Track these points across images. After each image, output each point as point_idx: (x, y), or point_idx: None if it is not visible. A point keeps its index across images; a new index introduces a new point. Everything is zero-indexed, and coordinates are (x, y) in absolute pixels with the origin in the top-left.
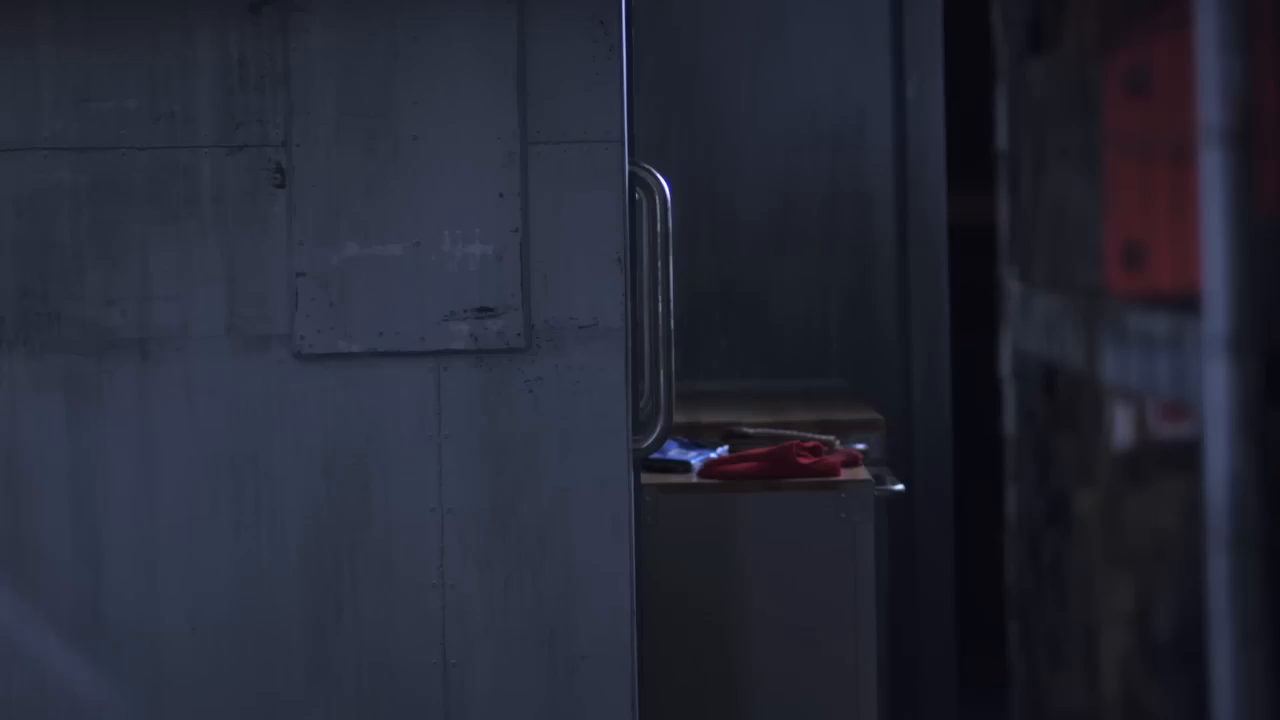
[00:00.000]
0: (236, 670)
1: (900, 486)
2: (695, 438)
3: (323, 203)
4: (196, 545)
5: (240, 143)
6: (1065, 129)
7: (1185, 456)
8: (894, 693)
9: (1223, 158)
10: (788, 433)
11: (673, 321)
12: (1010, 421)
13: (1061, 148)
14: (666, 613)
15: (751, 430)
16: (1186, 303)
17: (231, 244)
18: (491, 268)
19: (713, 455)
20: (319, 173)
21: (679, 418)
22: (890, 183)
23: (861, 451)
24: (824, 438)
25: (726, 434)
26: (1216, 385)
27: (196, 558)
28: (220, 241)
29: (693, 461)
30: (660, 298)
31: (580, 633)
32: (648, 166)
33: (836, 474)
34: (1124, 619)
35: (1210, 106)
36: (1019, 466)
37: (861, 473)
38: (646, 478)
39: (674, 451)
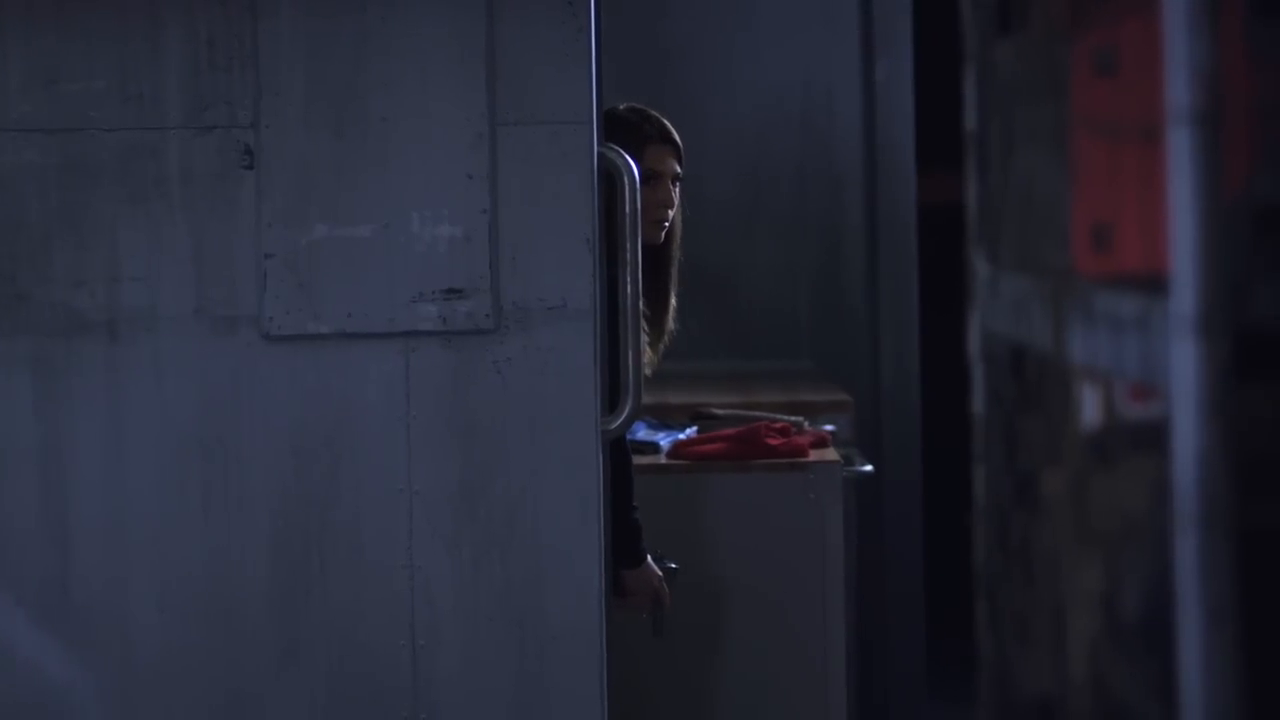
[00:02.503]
0: (205, 652)
1: (869, 468)
2: (664, 419)
3: (291, 184)
4: (165, 527)
5: (209, 124)
6: (1034, 110)
7: (1153, 437)
8: (863, 673)
9: (1191, 138)
10: (756, 414)
11: (642, 303)
12: (978, 402)
13: (1030, 129)
14: None
15: (720, 411)
16: (1154, 283)
17: (200, 225)
18: (460, 249)
19: (681, 436)
20: (287, 154)
21: (647, 399)
22: (859, 164)
23: (830, 433)
24: (793, 419)
25: (695, 415)
26: (1184, 366)
27: (165, 539)
28: (189, 223)
29: (661, 443)
30: (629, 279)
31: (549, 614)
32: (617, 148)
33: (805, 455)
34: (1092, 600)
35: (1178, 87)
36: (987, 447)
37: (830, 454)
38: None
39: (643, 433)
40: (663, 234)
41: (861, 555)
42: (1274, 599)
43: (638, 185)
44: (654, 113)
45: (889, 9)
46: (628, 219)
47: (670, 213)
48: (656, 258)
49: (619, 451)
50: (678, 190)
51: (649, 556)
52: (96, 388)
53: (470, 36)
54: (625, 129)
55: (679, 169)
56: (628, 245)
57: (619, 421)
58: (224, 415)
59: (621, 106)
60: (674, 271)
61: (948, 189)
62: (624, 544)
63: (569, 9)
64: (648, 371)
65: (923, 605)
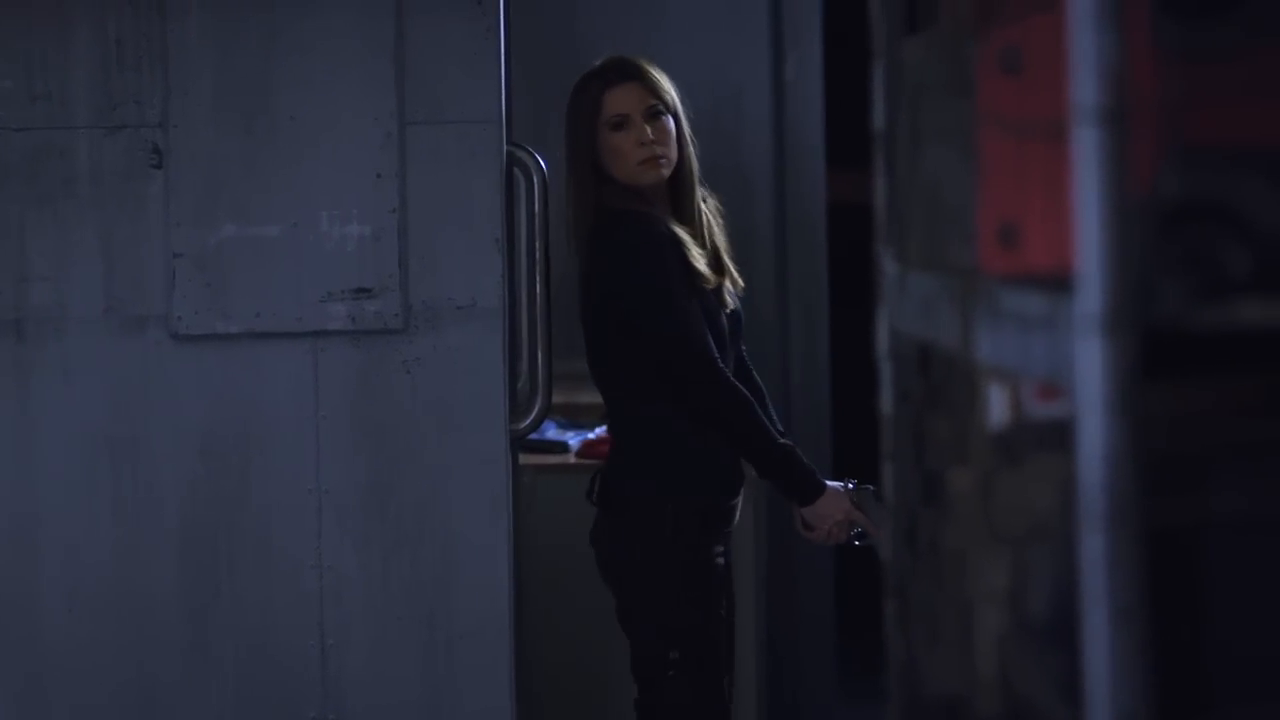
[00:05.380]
0: (114, 650)
1: None
2: (573, 418)
3: (200, 183)
4: (74, 526)
5: (117, 123)
6: (941, 108)
7: (1060, 436)
8: (772, 673)
9: (1096, 136)
10: None
11: (551, 302)
12: (886, 401)
13: (937, 127)
14: (544, 592)
15: None
16: (1061, 282)
17: (109, 225)
18: (369, 248)
19: (590, 436)
20: (196, 153)
21: (557, 399)
22: (769, 162)
23: None
24: None
25: (604, 415)
26: (1090, 364)
27: (74, 538)
28: (97, 222)
29: (570, 442)
30: (538, 278)
31: (459, 612)
32: (526, 147)
33: None
34: (999, 599)
35: (1084, 85)
36: (895, 446)
37: None
38: (525, 458)
39: (552, 432)
40: (663, 171)
41: (770, 553)
42: (1180, 597)
43: (547, 184)
44: (621, 56)
45: (798, 8)
46: (537, 217)
47: (660, 149)
48: (677, 198)
49: (725, 390)
50: (667, 121)
51: (826, 485)
52: (5, 387)
53: (379, 36)
54: (582, 88)
55: (656, 101)
56: (536, 245)
57: (528, 421)
58: (133, 415)
59: (598, 62)
60: (707, 212)
61: (857, 187)
62: (781, 483)
63: (478, 9)
64: (732, 303)
65: (832, 604)
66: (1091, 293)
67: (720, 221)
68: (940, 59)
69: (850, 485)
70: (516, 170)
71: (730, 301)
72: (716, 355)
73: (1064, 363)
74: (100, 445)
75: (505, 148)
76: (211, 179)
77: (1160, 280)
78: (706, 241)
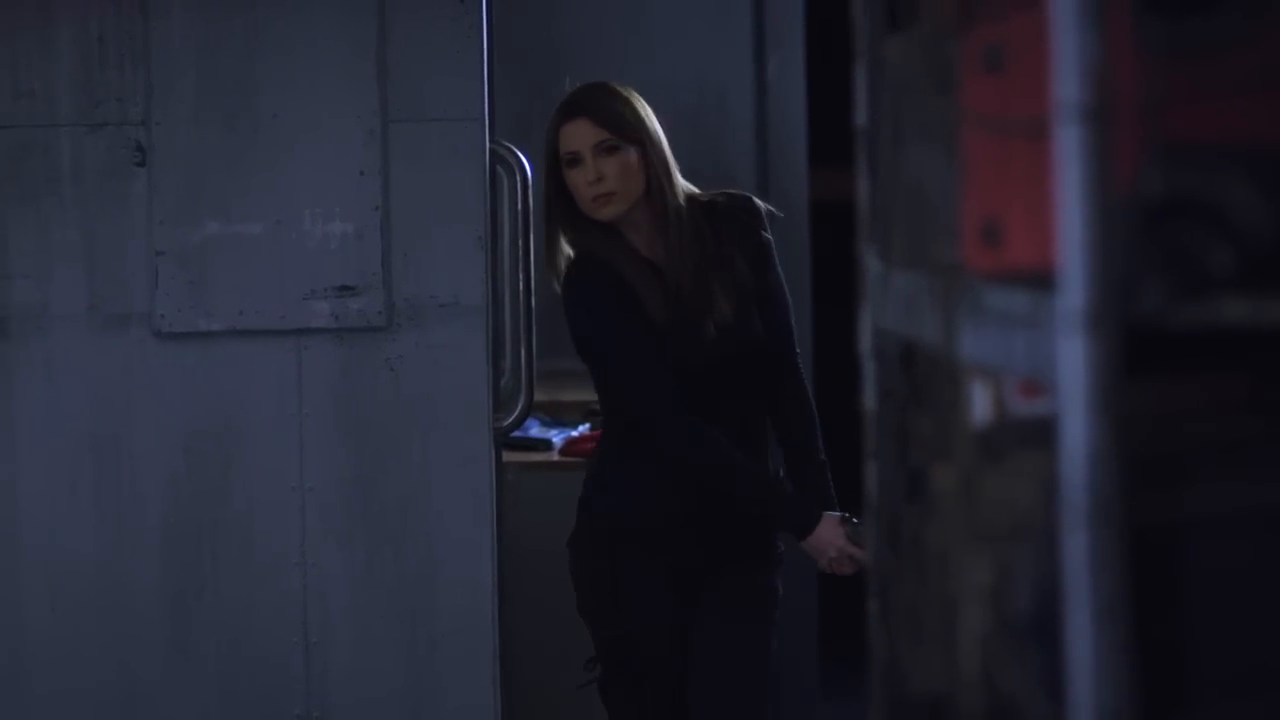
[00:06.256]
0: (97, 648)
1: None
2: (557, 416)
3: (183, 181)
4: (57, 523)
5: (100, 121)
6: (923, 106)
7: (1042, 434)
8: None
9: (1079, 134)
10: None
11: (534, 300)
12: (869, 399)
13: (920, 125)
14: (528, 590)
15: None
16: (1044, 280)
17: (91, 222)
18: (352, 246)
19: (574, 434)
20: (179, 151)
21: (540, 396)
22: (751, 161)
23: None
24: None
25: (588, 413)
26: (1073, 362)
27: (57, 536)
28: (80, 220)
29: (554, 440)
30: (521, 276)
31: (442, 610)
32: (508, 145)
33: None
34: (982, 597)
35: (1066, 83)
36: (878, 444)
37: None
38: (508, 456)
39: (535, 430)
40: (616, 208)
41: None
42: (1163, 595)
43: (530, 182)
44: (581, 87)
45: (780, 6)
46: (519, 215)
47: (608, 186)
48: (660, 223)
49: (680, 439)
50: (625, 155)
51: (822, 517)
52: None
53: (361, 34)
54: (550, 122)
55: (608, 135)
56: (520, 242)
57: (511, 419)
58: (116, 412)
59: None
60: (689, 236)
61: (840, 186)
62: (771, 519)
63: (460, 7)
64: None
65: (815, 602)
66: (1074, 290)
67: (729, 234)
68: (922, 57)
69: (847, 517)
70: (499, 168)
71: (720, 324)
72: (666, 403)
73: (1046, 360)
74: (83, 443)
75: (488, 145)
76: (194, 177)
77: (1143, 278)
78: (684, 267)
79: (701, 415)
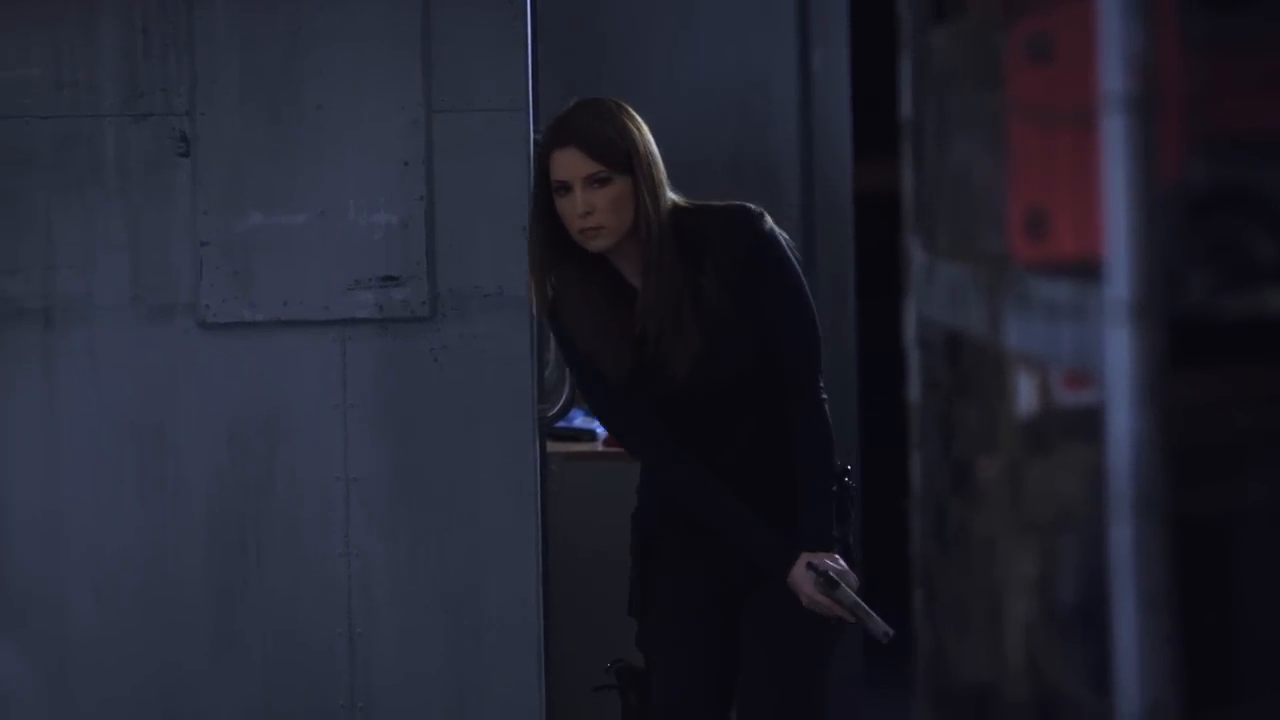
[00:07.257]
0: (142, 639)
1: None
2: None
3: (227, 171)
4: (101, 514)
5: (144, 111)
6: (969, 97)
7: (1088, 424)
8: None
9: (1125, 125)
10: None
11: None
12: (914, 389)
13: (965, 116)
14: (572, 580)
15: None
16: (1089, 270)
17: (135, 213)
18: (396, 236)
19: None
20: (223, 141)
21: None
22: (795, 152)
23: None
24: None
25: None
26: (1119, 353)
27: (101, 527)
28: (124, 210)
29: (598, 430)
30: None
31: (487, 600)
32: None
33: None
34: (1028, 587)
35: (1112, 73)
36: (923, 434)
37: None
38: (552, 446)
39: (579, 420)
40: (602, 240)
41: None
42: (1208, 585)
43: None
44: (566, 111)
45: None
46: None
47: (596, 220)
48: (645, 252)
49: (658, 468)
50: (615, 187)
51: (792, 562)
52: (32, 376)
53: (406, 23)
54: (541, 140)
55: (600, 167)
56: None
57: (555, 409)
58: (160, 403)
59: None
60: (665, 276)
61: (884, 176)
62: (751, 559)
63: None
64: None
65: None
66: (1120, 281)
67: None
68: (968, 48)
69: (816, 566)
70: None
71: (693, 355)
72: (638, 437)
73: (1092, 351)
74: (127, 434)
75: (532, 135)
76: (238, 167)
77: (1188, 269)
78: (655, 306)
79: (696, 440)
